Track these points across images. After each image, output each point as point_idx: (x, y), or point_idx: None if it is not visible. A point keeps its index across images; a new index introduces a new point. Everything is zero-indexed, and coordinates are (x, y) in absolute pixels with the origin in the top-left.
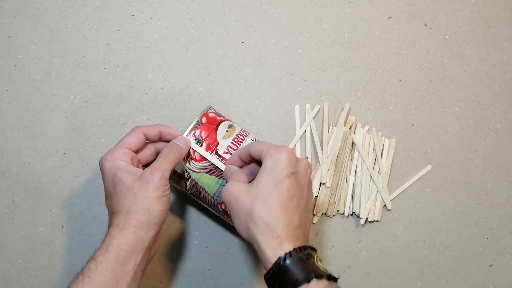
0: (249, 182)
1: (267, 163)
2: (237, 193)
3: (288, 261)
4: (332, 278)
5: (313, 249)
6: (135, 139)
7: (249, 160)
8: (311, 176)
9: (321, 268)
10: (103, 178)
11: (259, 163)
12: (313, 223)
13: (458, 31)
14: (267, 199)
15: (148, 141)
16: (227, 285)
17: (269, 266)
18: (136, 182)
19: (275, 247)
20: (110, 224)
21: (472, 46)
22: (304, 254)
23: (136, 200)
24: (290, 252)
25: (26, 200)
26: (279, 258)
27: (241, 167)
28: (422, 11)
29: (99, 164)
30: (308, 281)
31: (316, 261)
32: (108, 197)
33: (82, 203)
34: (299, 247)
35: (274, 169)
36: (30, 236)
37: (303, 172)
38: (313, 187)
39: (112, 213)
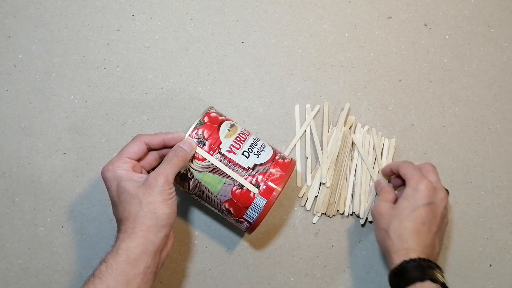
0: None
1: (408, 190)
2: (382, 212)
3: (410, 264)
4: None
5: (438, 267)
6: (136, 149)
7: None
8: (446, 205)
9: (439, 277)
10: (106, 188)
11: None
12: (313, 223)
13: (458, 31)
14: (403, 220)
15: (151, 149)
16: (227, 285)
17: (394, 266)
18: (140, 188)
19: (402, 254)
20: (118, 230)
21: (472, 46)
22: (427, 264)
23: (142, 205)
24: (414, 259)
25: (26, 200)
26: (404, 260)
27: (390, 176)
28: (422, 11)
29: (101, 175)
30: (423, 281)
31: (437, 272)
32: (114, 206)
33: (82, 203)
34: (424, 258)
35: (413, 197)
36: (30, 236)
37: (439, 203)
38: (447, 216)
39: (119, 221)
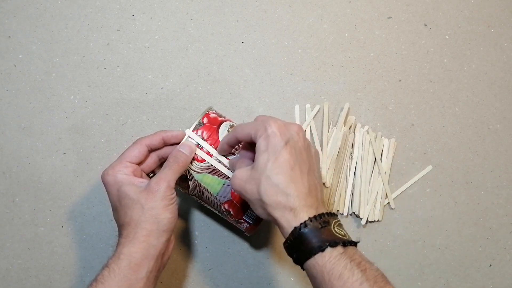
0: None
1: (260, 144)
2: (243, 181)
3: (303, 231)
4: (348, 244)
5: (331, 214)
6: (137, 152)
7: (238, 145)
8: (304, 135)
9: (337, 235)
10: (107, 192)
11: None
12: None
13: (458, 31)
14: (270, 178)
15: (152, 150)
16: (227, 285)
17: (286, 236)
18: (142, 193)
19: (291, 218)
20: (120, 235)
21: (472, 46)
22: (320, 222)
23: (144, 210)
24: (305, 222)
25: (26, 200)
26: (295, 228)
27: (232, 154)
28: (422, 11)
29: (101, 179)
30: (322, 250)
31: (333, 227)
32: (115, 210)
33: (82, 203)
34: (314, 216)
35: (269, 146)
36: (30, 236)
37: (296, 136)
38: (311, 146)
39: (120, 226)
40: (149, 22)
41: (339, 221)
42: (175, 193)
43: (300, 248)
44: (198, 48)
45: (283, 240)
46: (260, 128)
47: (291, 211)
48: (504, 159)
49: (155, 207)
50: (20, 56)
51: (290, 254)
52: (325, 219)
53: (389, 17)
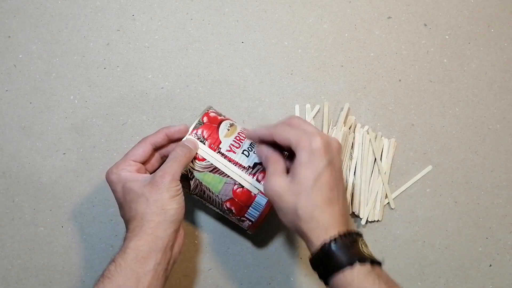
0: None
1: (302, 157)
2: (280, 190)
3: (333, 246)
4: (375, 262)
5: (358, 234)
6: (141, 151)
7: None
8: (340, 152)
9: (365, 253)
10: (112, 191)
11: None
12: None
13: (458, 31)
14: (310, 195)
15: (158, 148)
16: (227, 285)
17: (315, 251)
18: (147, 187)
19: (321, 234)
20: (127, 230)
21: (472, 46)
22: (349, 240)
23: (149, 203)
24: (335, 238)
25: (26, 200)
26: (325, 243)
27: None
28: (422, 11)
29: (106, 178)
30: (352, 265)
31: (361, 246)
32: (121, 207)
33: (82, 203)
34: (344, 233)
35: (311, 163)
36: (30, 236)
37: (337, 156)
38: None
39: (127, 221)
40: (149, 22)
41: (365, 241)
42: (180, 185)
43: (329, 262)
44: (198, 48)
45: (284, 240)
46: (303, 139)
47: (323, 228)
48: (504, 159)
49: (160, 199)
50: (20, 56)
51: (316, 268)
52: (354, 238)
53: (389, 17)
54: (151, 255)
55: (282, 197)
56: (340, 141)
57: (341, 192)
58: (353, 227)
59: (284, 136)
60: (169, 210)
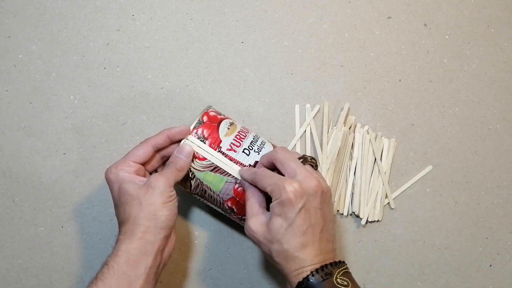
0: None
1: (274, 207)
2: (257, 236)
3: (305, 285)
4: None
5: (335, 264)
6: (142, 152)
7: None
8: (321, 191)
9: (338, 286)
10: (109, 189)
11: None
12: None
13: (458, 31)
14: (282, 244)
15: (159, 150)
16: (227, 285)
17: None
18: (141, 189)
19: (295, 276)
20: (119, 233)
21: (472, 46)
22: (322, 275)
23: (142, 206)
24: (307, 276)
25: (26, 200)
26: (299, 283)
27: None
28: (422, 11)
29: (105, 177)
30: None
31: (336, 278)
32: (116, 207)
33: (82, 203)
34: (316, 270)
35: (283, 213)
36: (30, 236)
37: (312, 197)
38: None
39: (120, 223)
40: (149, 22)
41: (345, 269)
42: (174, 191)
43: None
44: (198, 48)
45: None
46: (275, 191)
47: (296, 271)
48: (504, 159)
49: (153, 203)
50: (20, 56)
51: None
52: (328, 270)
53: (389, 17)
54: (142, 259)
55: (259, 242)
56: (340, 141)
57: (318, 231)
58: (336, 256)
59: (262, 185)
60: (160, 216)
